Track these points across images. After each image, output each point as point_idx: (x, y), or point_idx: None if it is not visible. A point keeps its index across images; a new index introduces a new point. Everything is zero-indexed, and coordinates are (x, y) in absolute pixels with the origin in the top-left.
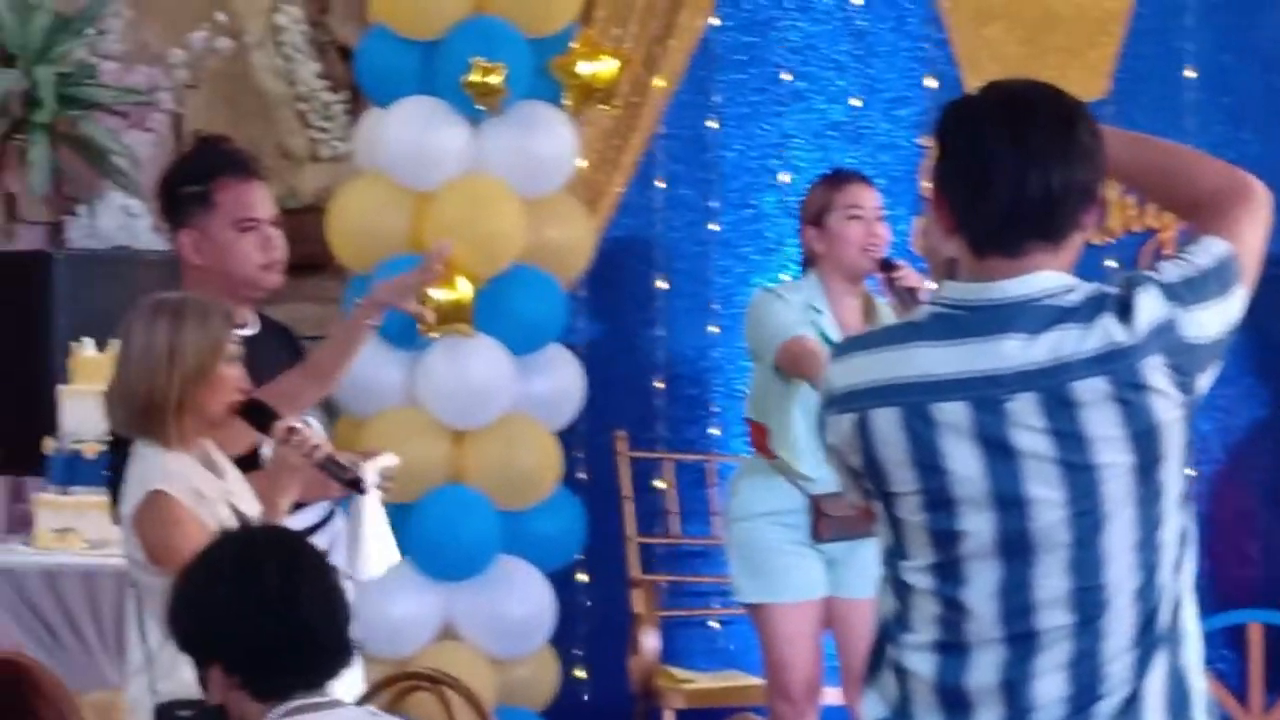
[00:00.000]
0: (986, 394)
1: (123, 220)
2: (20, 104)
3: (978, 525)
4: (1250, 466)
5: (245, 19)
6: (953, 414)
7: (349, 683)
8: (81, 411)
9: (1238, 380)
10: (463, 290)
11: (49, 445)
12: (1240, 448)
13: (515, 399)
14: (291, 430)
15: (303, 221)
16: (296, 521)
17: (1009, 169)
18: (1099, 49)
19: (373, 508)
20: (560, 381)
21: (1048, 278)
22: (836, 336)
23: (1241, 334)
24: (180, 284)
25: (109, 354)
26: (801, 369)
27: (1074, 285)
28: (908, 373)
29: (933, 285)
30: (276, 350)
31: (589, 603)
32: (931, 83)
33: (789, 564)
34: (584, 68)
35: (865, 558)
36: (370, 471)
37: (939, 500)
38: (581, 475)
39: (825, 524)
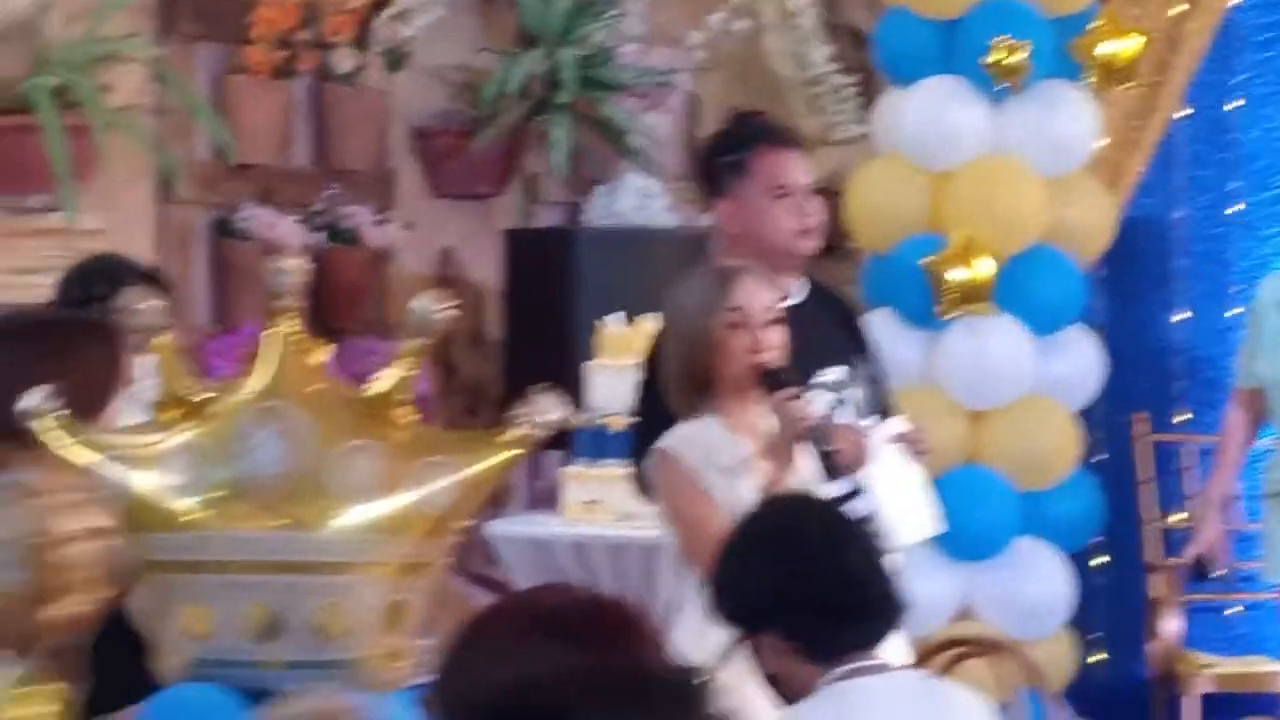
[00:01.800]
0: None
1: (639, 200)
2: (542, 85)
3: None
4: None
5: (760, 2)
6: None
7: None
8: (608, 386)
9: None
10: (981, 270)
11: (574, 419)
12: None
13: (1035, 379)
14: (786, 400)
15: None
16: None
17: None
18: None
19: (882, 476)
20: (1080, 362)
21: None
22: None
23: None
24: (705, 260)
25: (635, 329)
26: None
27: None
28: None
29: None
30: (822, 320)
31: (1107, 585)
32: None
33: (1276, 543)
34: (1104, 47)
35: None
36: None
37: None
38: (1101, 456)
39: None
